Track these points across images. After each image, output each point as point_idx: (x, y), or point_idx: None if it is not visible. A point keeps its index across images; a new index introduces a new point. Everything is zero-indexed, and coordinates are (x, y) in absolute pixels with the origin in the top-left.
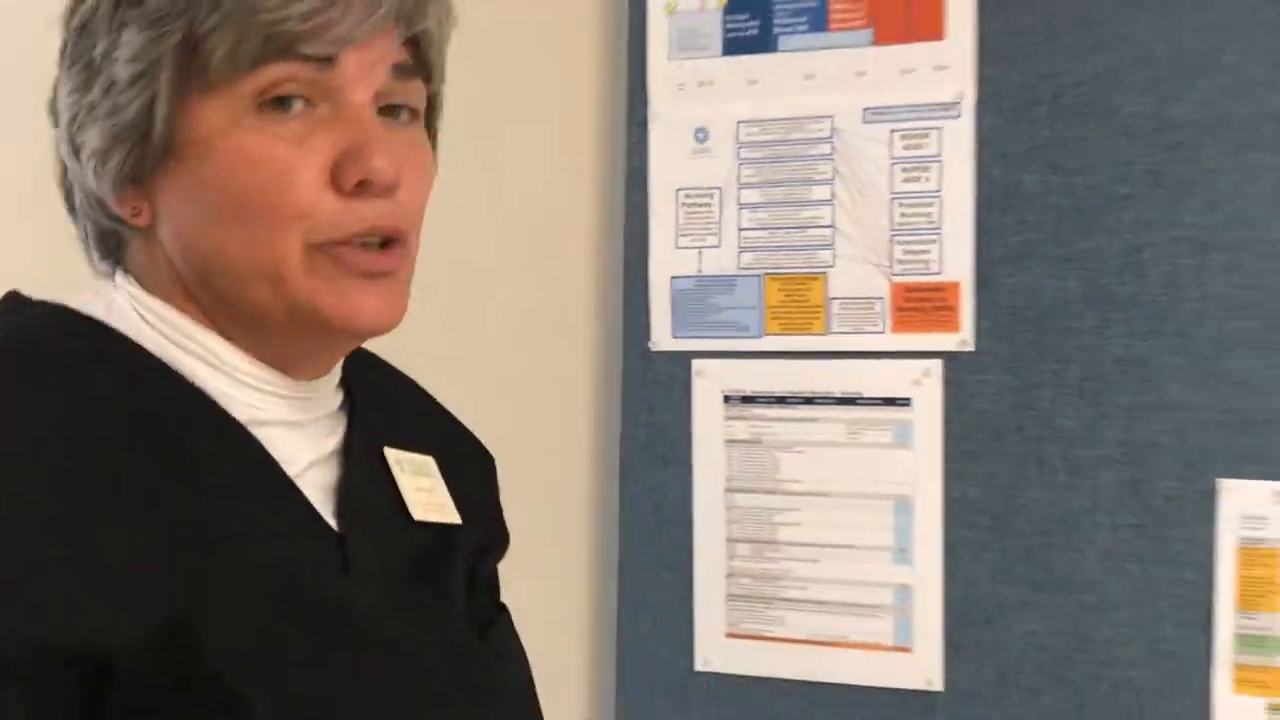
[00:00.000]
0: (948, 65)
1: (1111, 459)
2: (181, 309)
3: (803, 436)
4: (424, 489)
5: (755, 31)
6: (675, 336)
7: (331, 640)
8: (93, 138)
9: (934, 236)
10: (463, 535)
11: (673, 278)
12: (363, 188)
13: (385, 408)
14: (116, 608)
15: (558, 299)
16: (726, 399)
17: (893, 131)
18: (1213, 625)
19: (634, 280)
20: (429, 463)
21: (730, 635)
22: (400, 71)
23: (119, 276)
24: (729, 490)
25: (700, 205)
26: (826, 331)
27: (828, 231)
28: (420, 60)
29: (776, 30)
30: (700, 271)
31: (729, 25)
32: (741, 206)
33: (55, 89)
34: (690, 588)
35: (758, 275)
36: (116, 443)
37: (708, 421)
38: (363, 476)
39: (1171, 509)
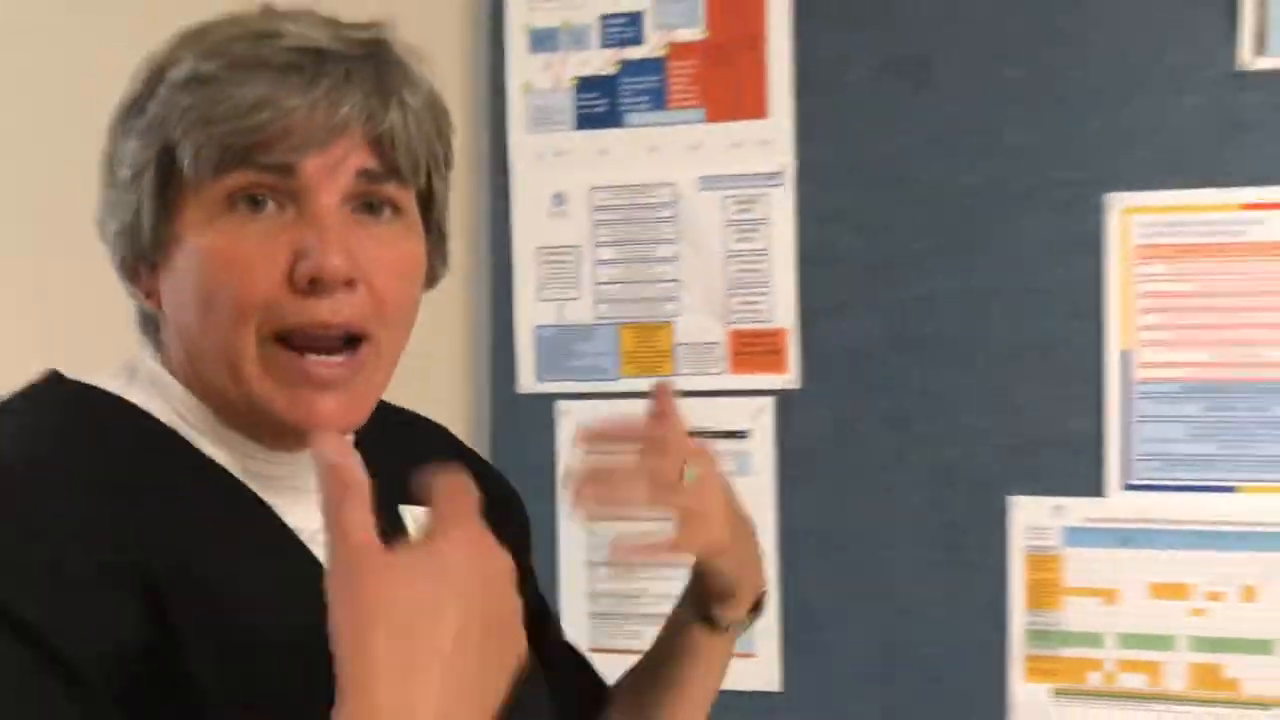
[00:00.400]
0: (771, 140)
1: (918, 481)
2: (188, 384)
3: None
4: None
5: (604, 109)
6: (540, 380)
7: (327, 689)
8: (110, 229)
9: (764, 289)
10: None
11: (536, 327)
12: (315, 285)
13: (404, 465)
14: (112, 624)
15: (433, 348)
16: None
17: (725, 197)
18: (1007, 623)
19: (501, 330)
20: None
21: (593, 649)
22: (367, 177)
23: (147, 352)
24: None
25: (560, 262)
26: (674, 373)
27: (673, 285)
28: (387, 164)
29: (622, 108)
30: (561, 321)
31: (580, 103)
32: (598, 263)
33: None
34: (557, 608)
35: (613, 324)
36: (107, 490)
37: (571, 457)
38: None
39: (969, 524)
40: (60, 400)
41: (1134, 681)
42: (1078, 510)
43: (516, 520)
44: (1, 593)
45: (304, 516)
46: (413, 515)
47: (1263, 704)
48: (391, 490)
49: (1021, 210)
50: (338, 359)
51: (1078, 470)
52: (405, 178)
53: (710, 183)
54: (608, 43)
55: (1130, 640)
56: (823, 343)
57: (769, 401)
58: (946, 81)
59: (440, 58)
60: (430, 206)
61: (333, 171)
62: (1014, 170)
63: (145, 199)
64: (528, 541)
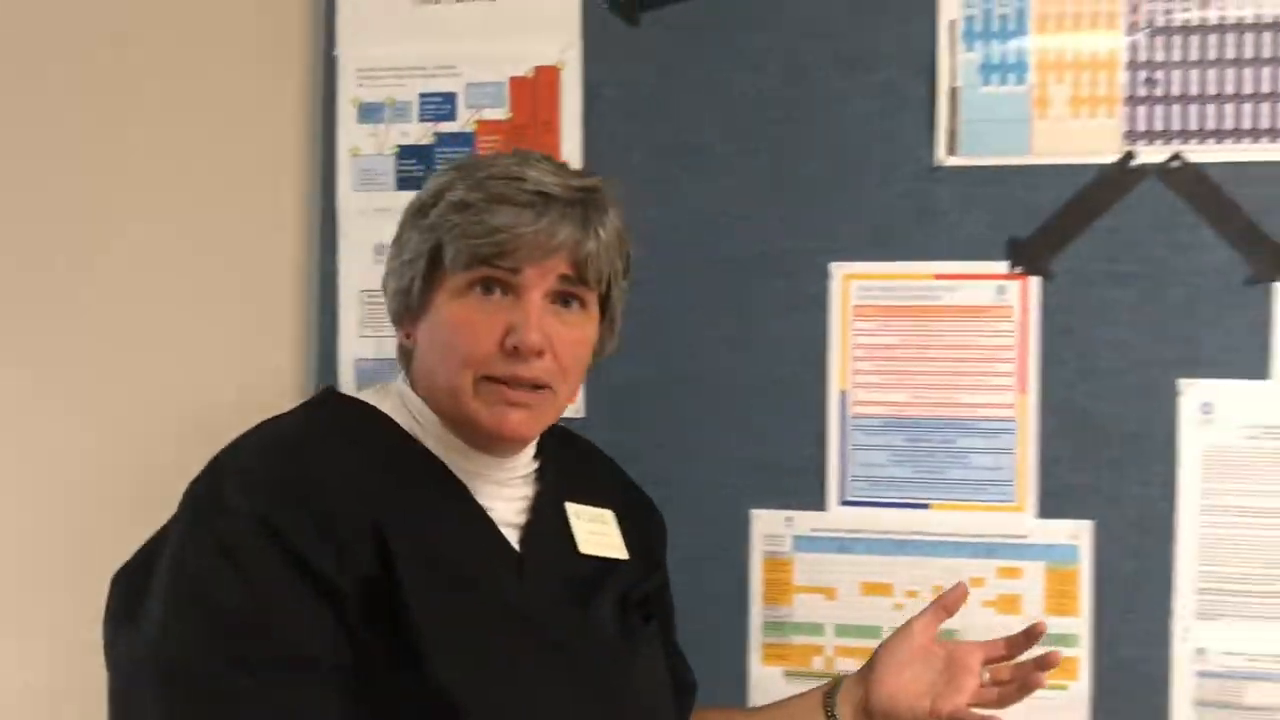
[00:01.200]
0: None
1: (679, 497)
2: (425, 400)
3: None
4: (596, 532)
5: (421, 173)
6: None
7: (502, 621)
8: (391, 288)
9: None
10: (624, 566)
11: (357, 360)
12: (518, 351)
13: (572, 474)
14: (355, 559)
15: (268, 379)
16: None
17: None
18: (748, 615)
19: (327, 361)
20: (606, 514)
21: None
22: (565, 281)
23: (400, 377)
24: None
25: (379, 304)
26: None
27: None
28: (580, 275)
29: (436, 173)
30: (380, 355)
31: (400, 168)
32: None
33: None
34: None
35: None
36: (358, 462)
37: None
38: (543, 519)
39: (719, 532)
40: (333, 405)
41: (849, 664)
42: (805, 521)
43: (656, 522)
44: (283, 527)
45: (492, 499)
46: (573, 510)
47: None
48: (561, 490)
49: (765, 273)
50: (526, 392)
51: (805, 488)
52: (590, 285)
53: None
54: (425, 117)
55: (846, 630)
56: (605, 379)
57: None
58: (709, 165)
59: (282, 125)
60: (607, 304)
61: (544, 277)
62: (760, 240)
63: (417, 276)
64: (664, 540)
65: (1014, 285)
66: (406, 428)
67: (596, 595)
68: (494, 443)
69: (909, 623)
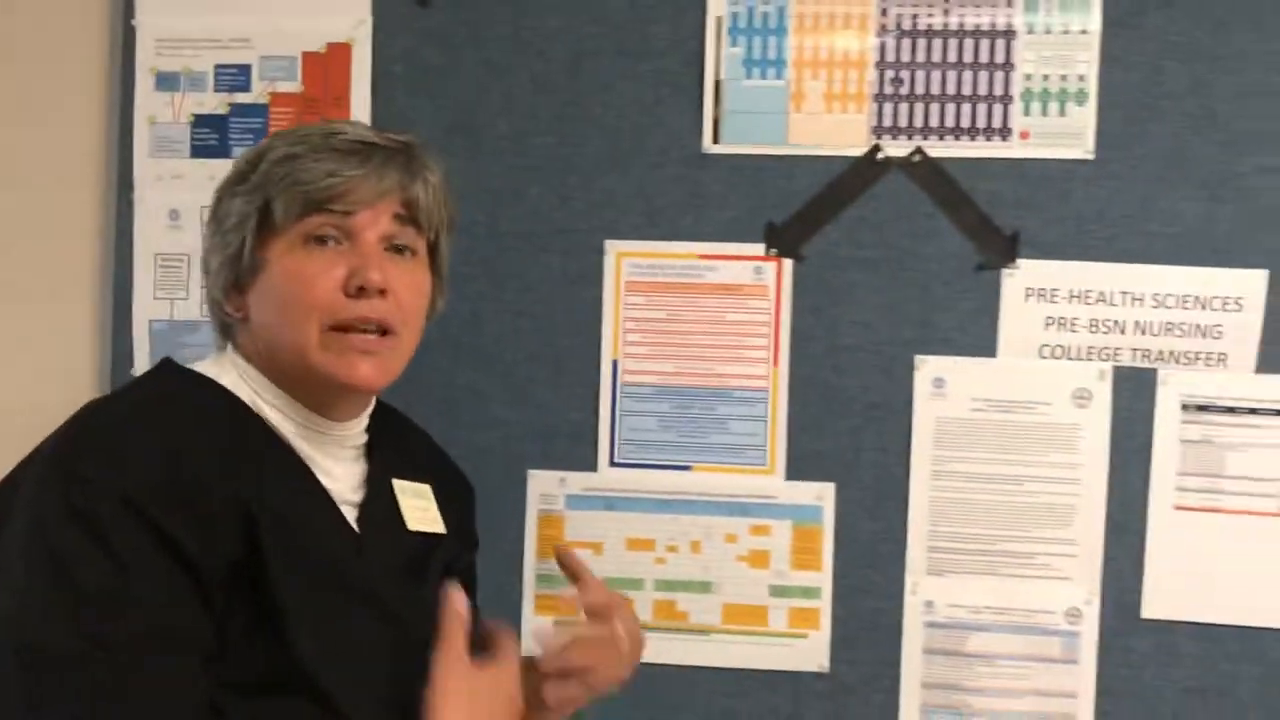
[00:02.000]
0: None
1: (461, 459)
2: (263, 372)
3: None
4: (419, 508)
5: (215, 142)
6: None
7: (350, 599)
8: (214, 264)
9: None
10: (444, 541)
11: (151, 321)
12: (362, 292)
13: (396, 449)
14: (220, 537)
15: (62, 337)
16: None
17: None
18: (524, 568)
19: (121, 323)
20: (425, 489)
21: None
22: (398, 221)
23: (230, 350)
24: None
25: (173, 267)
26: None
27: None
28: (412, 216)
29: (230, 142)
30: (173, 317)
31: (195, 136)
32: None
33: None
34: None
35: None
36: (215, 438)
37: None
38: (376, 497)
39: (499, 491)
40: (180, 378)
41: None
42: (577, 482)
43: (467, 494)
44: (147, 504)
45: (329, 476)
46: (399, 487)
47: (704, 630)
48: (389, 466)
49: (543, 250)
50: (373, 337)
51: (579, 451)
52: (421, 229)
53: None
54: (220, 88)
55: (613, 582)
56: None
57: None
58: (492, 145)
59: (80, 92)
60: (435, 256)
61: (376, 219)
62: (539, 219)
63: (248, 236)
64: (474, 512)
65: (770, 266)
66: (249, 401)
67: (425, 570)
68: (341, 396)
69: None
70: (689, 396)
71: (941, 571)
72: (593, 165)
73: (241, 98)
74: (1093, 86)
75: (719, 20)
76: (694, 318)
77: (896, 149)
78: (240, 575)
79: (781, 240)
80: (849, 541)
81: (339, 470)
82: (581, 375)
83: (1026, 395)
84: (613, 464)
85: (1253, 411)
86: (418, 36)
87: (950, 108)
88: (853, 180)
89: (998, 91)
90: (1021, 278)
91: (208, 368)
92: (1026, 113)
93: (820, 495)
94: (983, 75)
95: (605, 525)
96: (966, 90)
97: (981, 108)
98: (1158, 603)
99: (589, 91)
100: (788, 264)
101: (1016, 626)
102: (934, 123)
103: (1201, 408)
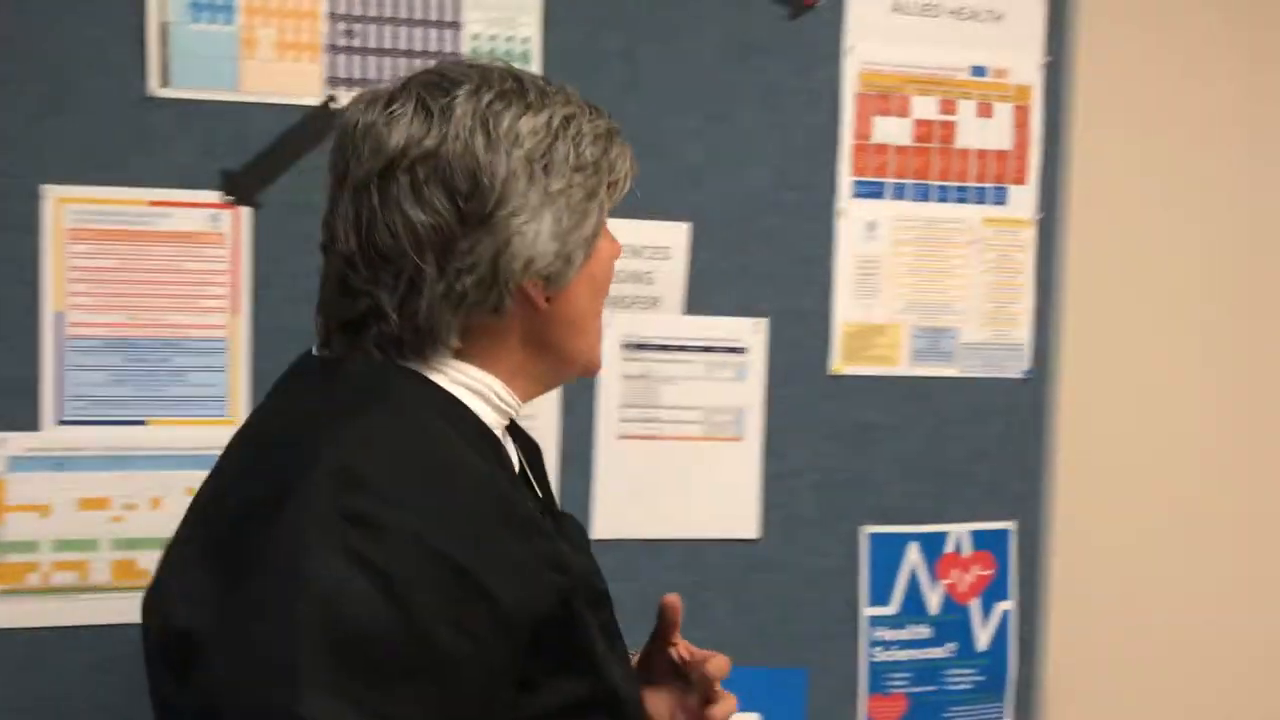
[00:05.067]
0: None
1: None
2: (513, 371)
3: None
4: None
5: None
6: None
7: (606, 600)
8: (553, 250)
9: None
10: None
11: None
12: None
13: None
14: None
15: None
16: None
17: None
18: None
19: None
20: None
21: None
22: None
23: (441, 355)
24: None
25: None
26: None
27: None
28: None
29: None
30: None
31: None
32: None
33: None
34: None
35: None
36: (499, 470)
37: None
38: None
39: None
40: (426, 395)
41: (66, 578)
42: (19, 442)
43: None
44: (471, 562)
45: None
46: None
47: None
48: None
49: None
50: None
51: (20, 409)
52: None
53: None
54: None
55: (63, 545)
56: None
57: None
58: None
59: None
60: None
61: None
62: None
63: (597, 218)
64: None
65: (226, 214)
66: (478, 411)
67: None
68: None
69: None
70: (143, 348)
71: None
72: (33, 106)
73: None
74: (536, 47)
75: None
76: (147, 267)
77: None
78: (551, 631)
79: (238, 187)
80: None
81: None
82: (21, 328)
83: None
84: (60, 422)
85: (681, 349)
86: None
87: (402, 61)
88: (309, 129)
89: (447, 49)
90: None
91: (427, 373)
92: None
93: None
94: (432, 32)
95: (55, 487)
96: (418, 46)
97: (432, 64)
98: (608, 523)
99: (26, 30)
100: (246, 211)
101: None
102: (387, 75)
103: (639, 346)
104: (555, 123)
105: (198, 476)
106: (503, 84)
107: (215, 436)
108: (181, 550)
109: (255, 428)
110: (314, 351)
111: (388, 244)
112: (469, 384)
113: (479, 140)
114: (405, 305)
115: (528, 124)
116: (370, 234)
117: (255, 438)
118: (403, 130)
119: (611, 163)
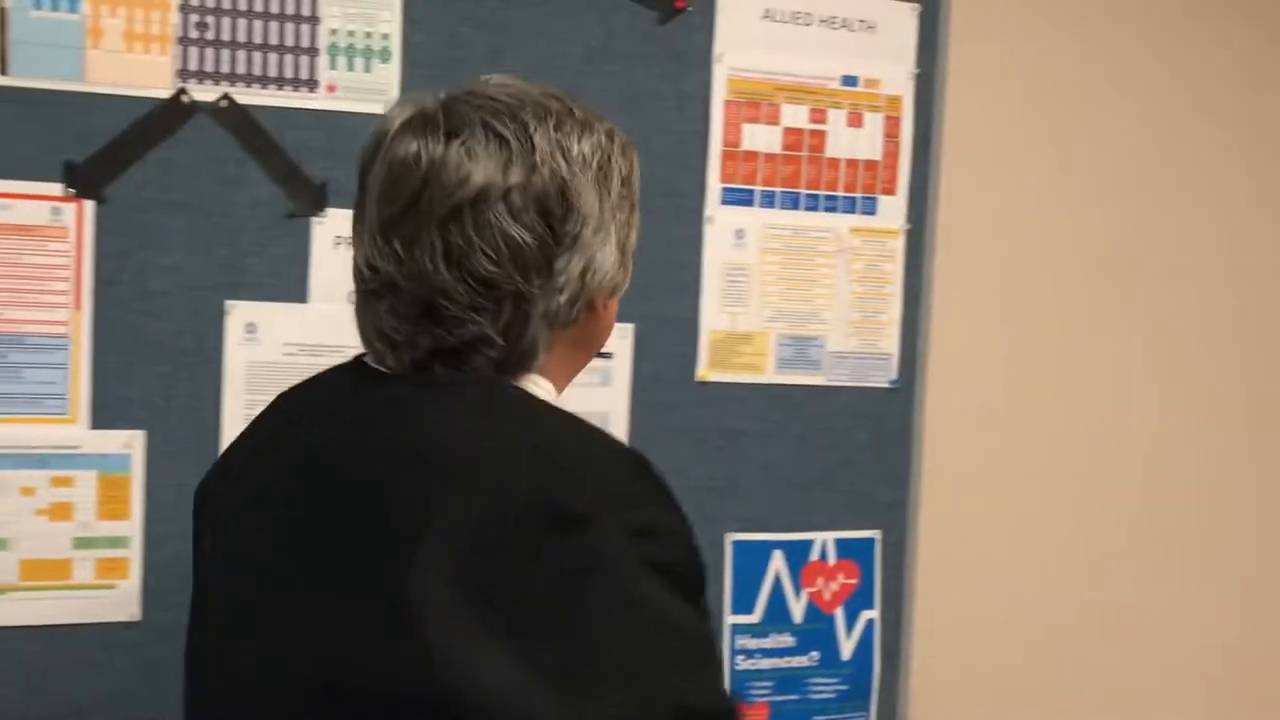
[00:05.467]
0: None
1: None
2: (554, 378)
3: None
4: None
5: None
6: None
7: None
8: (614, 260)
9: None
10: None
11: None
12: None
13: None
14: None
15: None
16: None
17: None
18: None
19: None
20: None
21: None
22: None
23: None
24: None
25: None
26: None
27: None
28: None
29: None
30: None
31: None
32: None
33: None
34: None
35: None
36: None
37: None
38: None
39: None
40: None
41: None
42: None
43: None
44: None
45: None
46: None
47: (0, 589)
48: None
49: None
50: None
51: None
52: None
53: None
54: None
55: None
56: None
57: None
58: None
59: None
60: None
61: None
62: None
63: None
64: None
65: (69, 207)
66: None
67: None
68: None
69: None
70: None
71: None
72: None
73: None
74: (396, 45)
75: None
76: None
77: (204, 94)
78: None
79: (82, 180)
80: (160, 488)
81: None
82: None
83: (337, 340)
84: None
85: None
86: None
87: (258, 56)
88: (159, 122)
89: (304, 44)
90: (331, 226)
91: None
92: (333, 66)
93: (129, 443)
94: (289, 27)
95: None
96: (274, 40)
97: (289, 58)
98: None
99: None
100: (89, 205)
101: None
102: (241, 70)
103: None
104: (604, 141)
105: (34, 476)
106: (550, 105)
107: (56, 435)
108: (311, 602)
109: (333, 458)
110: (379, 374)
111: (489, 270)
112: (544, 394)
113: (561, 164)
114: (510, 328)
115: (588, 144)
116: (466, 262)
117: (354, 470)
118: (489, 162)
119: (637, 173)
